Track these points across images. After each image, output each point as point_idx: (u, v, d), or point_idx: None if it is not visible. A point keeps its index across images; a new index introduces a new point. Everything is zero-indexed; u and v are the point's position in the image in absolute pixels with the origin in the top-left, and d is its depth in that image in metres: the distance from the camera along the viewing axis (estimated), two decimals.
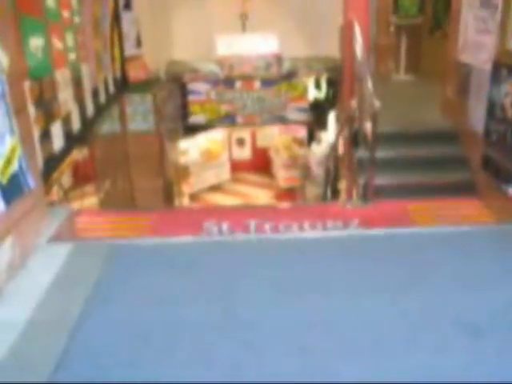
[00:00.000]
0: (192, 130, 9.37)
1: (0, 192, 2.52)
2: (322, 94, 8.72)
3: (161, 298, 2.57)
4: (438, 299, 2.57)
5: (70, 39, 4.67)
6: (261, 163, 13.37)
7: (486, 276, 2.79)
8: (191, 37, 8.29)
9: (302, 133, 11.67)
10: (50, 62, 4.08)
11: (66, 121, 4.39)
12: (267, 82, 8.60)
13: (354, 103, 5.19)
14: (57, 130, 4.11)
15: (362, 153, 4.97)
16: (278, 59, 8.42)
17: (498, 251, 3.09)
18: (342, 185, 6.26)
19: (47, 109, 3.90)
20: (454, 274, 2.81)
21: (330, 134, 8.57)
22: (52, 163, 3.96)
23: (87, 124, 5.10)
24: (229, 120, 8.92)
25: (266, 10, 8.53)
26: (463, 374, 2.08)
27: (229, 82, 8.60)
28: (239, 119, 8.89)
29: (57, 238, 3.06)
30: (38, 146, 3.56)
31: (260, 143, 13.48)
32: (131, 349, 2.24)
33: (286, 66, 8.50)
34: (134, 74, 7.47)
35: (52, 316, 2.40)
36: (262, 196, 12.25)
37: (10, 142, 2.66)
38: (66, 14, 4.60)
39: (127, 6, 7.31)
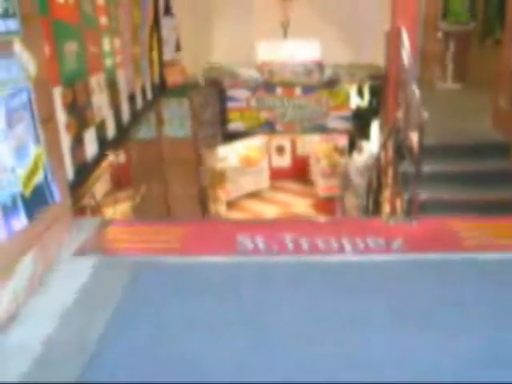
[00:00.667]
0: (231, 136, 9.23)
1: (22, 205, 2.39)
2: (364, 103, 8.45)
3: (186, 325, 2.39)
4: (492, 343, 2.28)
5: (106, 45, 4.58)
6: (300, 171, 13.19)
7: None
8: (231, 42, 8.17)
9: (343, 141, 11.42)
10: (85, 68, 3.99)
11: (100, 127, 4.30)
12: (308, 89, 8.40)
13: (399, 114, 4.93)
14: (90, 137, 4.01)
15: (406, 166, 4.71)
16: (320, 66, 8.21)
17: None
18: (385, 198, 5.99)
19: (80, 115, 3.81)
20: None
21: (372, 144, 8.30)
22: (84, 171, 3.86)
23: (122, 130, 5.01)
24: (268, 127, 8.74)
25: (308, 17, 8.35)
26: None
27: (269, 87, 8.43)
28: (279, 127, 8.70)
29: (82, 251, 2.93)
30: (68, 153, 3.46)
31: (300, 151, 13.32)
32: (151, 378, 2.07)
33: (328, 73, 8.28)
34: (173, 78, 7.39)
35: (70, 339, 2.26)
36: (300, 204, 12.06)
37: (34, 151, 2.54)
38: (103, 19, 4.52)
39: (167, 11, 7.25)
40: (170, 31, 7.40)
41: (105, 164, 4.62)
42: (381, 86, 7.57)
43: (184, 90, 7.41)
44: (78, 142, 3.71)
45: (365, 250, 3.44)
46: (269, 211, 11.71)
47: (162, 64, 7.20)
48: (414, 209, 4.27)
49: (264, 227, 3.92)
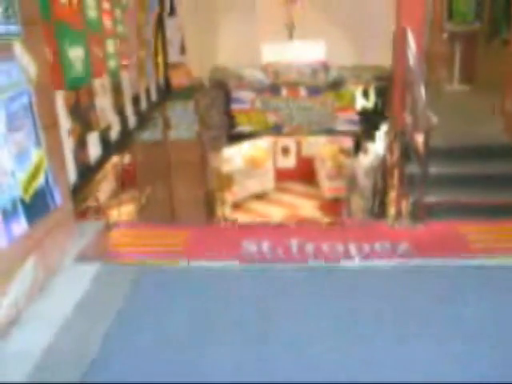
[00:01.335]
0: (236, 137, 9.18)
1: (22, 210, 2.36)
2: (370, 104, 8.39)
3: (188, 335, 2.35)
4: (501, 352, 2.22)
5: (110, 47, 4.55)
6: (305, 172, 13.12)
7: None
8: (236, 44, 8.13)
9: (349, 143, 11.35)
10: (89, 72, 3.96)
11: (104, 129, 4.27)
12: (313, 90, 8.34)
13: (407, 117, 4.87)
14: (94, 140, 3.98)
15: (413, 168, 4.64)
16: (325, 66, 8.15)
17: None
18: (391, 200, 5.93)
19: (84, 118, 3.78)
20: None
21: (378, 146, 8.23)
22: (87, 174, 3.83)
23: (127, 132, 4.98)
24: (276, 130, 8.69)
25: (313, 18, 8.30)
26: None
27: (274, 88, 8.38)
28: (286, 130, 8.65)
29: (84, 256, 2.89)
30: (71, 156, 3.43)
31: (305, 152, 13.24)
32: None
33: (333, 74, 8.22)
34: (178, 80, 7.35)
35: (69, 347, 2.22)
36: (306, 206, 12.00)
37: (35, 156, 2.51)
38: (107, 23, 4.49)
39: (172, 12, 7.21)
40: (175, 32, 7.36)
41: (110, 165, 4.61)
42: (386, 88, 7.51)
43: (189, 91, 7.37)
44: (81, 145, 3.68)
45: (371, 254, 3.39)
46: (274, 213, 11.65)
47: (166, 65, 7.16)
48: (420, 212, 4.22)
49: (269, 232, 3.88)
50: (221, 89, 8.23)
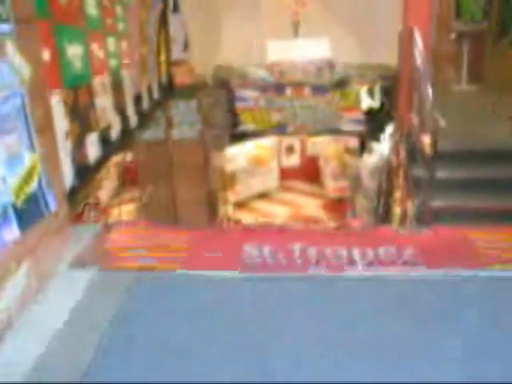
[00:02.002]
0: (240, 137, 9.08)
1: (14, 216, 2.27)
2: (375, 104, 8.26)
3: (183, 348, 2.25)
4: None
5: (111, 46, 4.46)
6: (310, 172, 13.00)
7: None
8: (241, 41, 8.02)
9: (354, 142, 11.23)
10: (89, 71, 3.87)
11: (104, 129, 4.18)
12: (318, 89, 8.22)
13: (414, 118, 4.75)
14: (93, 140, 3.89)
15: (419, 171, 4.53)
16: (330, 65, 8.03)
17: None
18: (396, 204, 5.83)
19: (83, 118, 3.69)
20: None
21: (384, 146, 8.12)
22: (86, 174, 3.74)
23: (128, 132, 4.89)
24: (280, 130, 8.58)
25: (319, 17, 8.20)
26: None
27: (279, 88, 8.27)
28: (290, 129, 8.54)
29: (80, 262, 2.80)
30: (69, 157, 3.34)
31: (310, 151, 13.12)
32: None
33: (338, 72, 8.10)
34: (181, 78, 7.25)
35: (61, 357, 2.13)
36: (310, 205, 11.88)
37: (28, 159, 2.42)
38: (109, 21, 4.40)
39: (175, 8, 7.11)
40: (178, 29, 7.26)
41: (112, 164, 4.52)
42: (392, 87, 7.40)
43: (193, 90, 7.27)
44: (79, 145, 3.60)
45: (375, 261, 3.30)
46: (278, 212, 11.56)
47: (169, 63, 7.06)
48: (426, 216, 4.11)
49: (272, 236, 3.79)
50: (224, 87, 8.12)
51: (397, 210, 5.81)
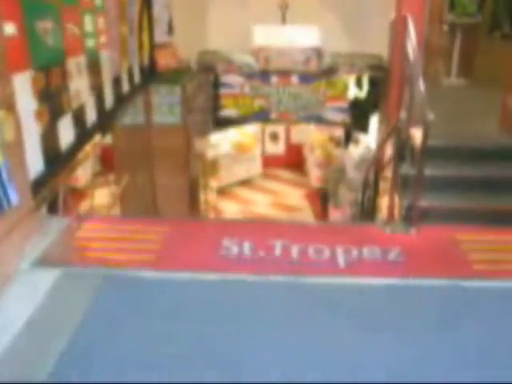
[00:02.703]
0: (224, 123, 8.87)
1: None
2: (362, 94, 8.10)
3: (153, 355, 2.07)
4: None
5: (88, 23, 4.21)
6: (294, 160, 12.90)
7: None
8: (227, 25, 7.80)
9: (339, 132, 11.11)
10: (62, 50, 3.63)
11: (79, 113, 3.95)
12: (305, 78, 8.03)
13: (402, 113, 4.59)
14: (66, 124, 3.66)
15: (407, 169, 4.39)
16: (318, 52, 7.83)
17: None
18: (381, 198, 5.70)
19: (55, 100, 3.46)
20: None
21: (370, 138, 7.98)
22: (58, 162, 3.52)
23: (105, 117, 4.66)
24: (262, 116, 8.38)
25: (308, 1, 7.97)
26: None
27: (264, 75, 8.06)
28: (273, 115, 8.35)
29: (44, 260, 2.59)
30: (38, 144, 3.12)
31: (294, 139, 13.00)
32: None
33: (326, 61, 7.91)
34: (164, 62, 6.99)
35: (17, 368, 1.94)
36: (292, 194, 11.77)
37: None
38: None
39: None
40: (162, 10, 6.99)
41: (89, 147, 4.30)
42: (381, 77, 7.24)
43: (176, 74, 7.03)
44: (51, 130, 3.37)
45: (359, 261, 3.17)
46: (260, 200, 11.44)
47: (152, 45, 6.79)
48: (414, 216, 3.97)
49: (253, 230, 3.62)
50: (209, 72, 7.89)
51: (383, 205, 5.69)
